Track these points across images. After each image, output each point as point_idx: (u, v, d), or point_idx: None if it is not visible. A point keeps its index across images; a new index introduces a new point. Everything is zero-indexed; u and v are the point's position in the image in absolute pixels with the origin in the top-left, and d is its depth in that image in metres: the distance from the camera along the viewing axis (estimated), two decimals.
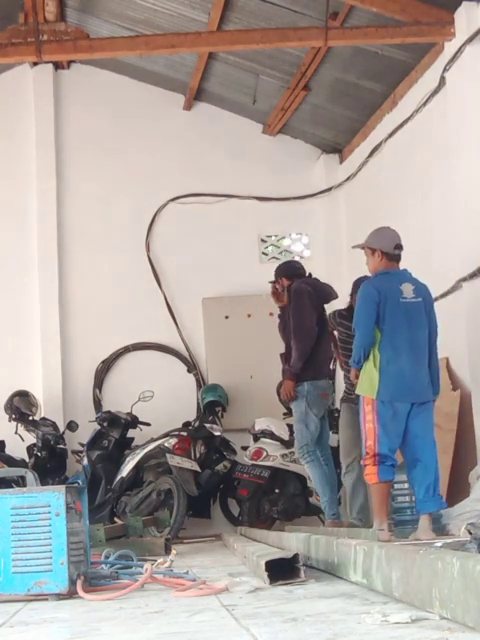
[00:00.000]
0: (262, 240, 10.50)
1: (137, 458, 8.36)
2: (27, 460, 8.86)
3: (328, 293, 7.11)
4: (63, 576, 3.65)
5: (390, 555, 2.92)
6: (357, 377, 5.73)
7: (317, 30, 7.32)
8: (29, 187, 10.23)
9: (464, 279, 6.94)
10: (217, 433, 8.66)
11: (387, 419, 5.53)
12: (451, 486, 6.84)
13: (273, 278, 7.26)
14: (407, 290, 5.70)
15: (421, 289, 5.78)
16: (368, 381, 5.61)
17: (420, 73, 7.95)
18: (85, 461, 8.83)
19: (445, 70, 7.23)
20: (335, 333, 7.07)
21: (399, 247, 5.82)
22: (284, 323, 7.01)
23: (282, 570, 3.50)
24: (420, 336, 5.67)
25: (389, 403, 5.54)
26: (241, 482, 8.45)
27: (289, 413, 8.30)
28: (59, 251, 10.14)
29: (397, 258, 5.83)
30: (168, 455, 8.06)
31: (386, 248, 5.78)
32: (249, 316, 10.08)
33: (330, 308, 7.19)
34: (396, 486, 6.20)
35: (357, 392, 5.73)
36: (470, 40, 6.81)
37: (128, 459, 8.49)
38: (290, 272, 7.19)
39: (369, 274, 6.00)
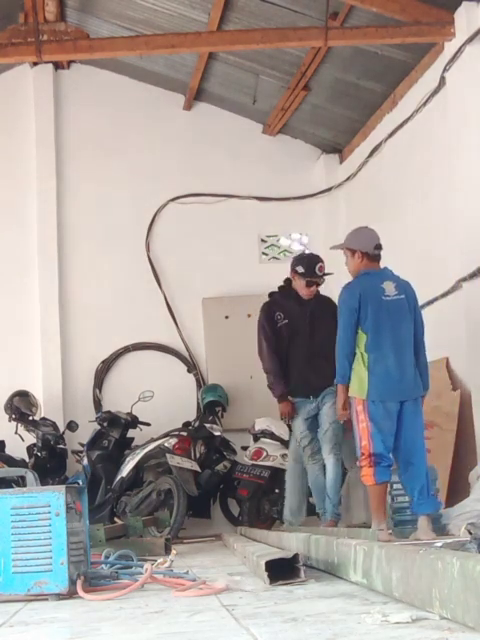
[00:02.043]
0: (262, 240, 10.50)
1: (137, 458, 8.36)
2: (27, 460, 8.85)
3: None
4: (63, 576, 3.65)
5: (390, 555, 2.92)
6: (345, 391, 5.67)
7: (317, 30, 7.33)
8: (29, 187, 10.23)
9: (464, 279, 6.93)
10: (217, 433, 8.65)
11: (379, 418, 5.54)
12: (451, 486, 6.84)
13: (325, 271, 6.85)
14: (389, 288, 5.68)
15: (403, 286, 5.76)
16: (358, 382, 5.61)
17: (420, 73, 7.95)
18: (85, 461, 8.83)
19: (445, 70, 7.23)
20: None
21: (379, 247, 5.79)
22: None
23: (282, 570, 3.50)
24: (405, 333, 5.66)
25: (380, 402, 5.55)
26: (241, 482, 8.45)
27: None
28: (59, 251, 10.14)
29: (377, 258, 5.80)
30: (168, 455, 8.05)
31: (366, 248, 5.75)
32: (249, 316, 10.04)
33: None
34: (396, 486, 6.19)
35: (349, 394, 5.70)
36: (470, 40, 6.82)
37: (128, 459, 8.48)
38: None
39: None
